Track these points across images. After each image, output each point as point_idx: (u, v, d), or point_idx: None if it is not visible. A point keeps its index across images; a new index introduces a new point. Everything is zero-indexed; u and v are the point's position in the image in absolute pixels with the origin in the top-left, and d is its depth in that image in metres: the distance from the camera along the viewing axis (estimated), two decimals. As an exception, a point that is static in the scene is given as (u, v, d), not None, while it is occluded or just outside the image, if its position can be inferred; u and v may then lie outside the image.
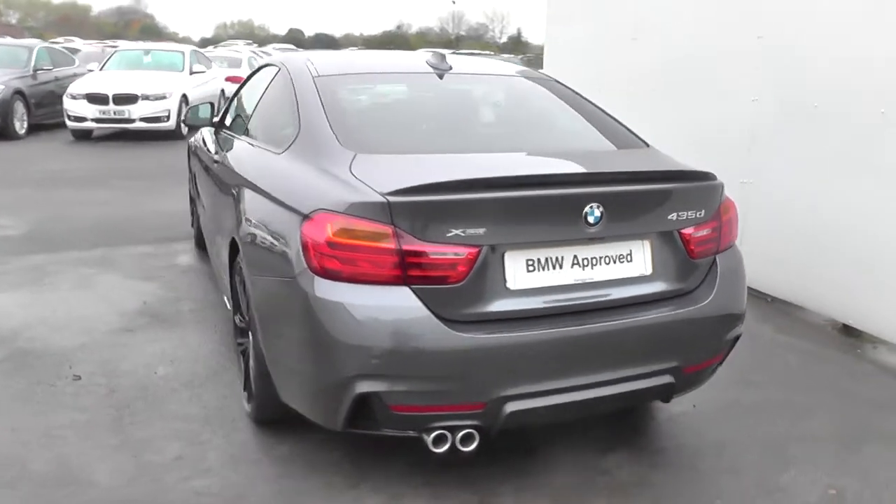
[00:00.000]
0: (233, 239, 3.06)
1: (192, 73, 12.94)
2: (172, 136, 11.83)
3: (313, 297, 2.26)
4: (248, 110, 3.96)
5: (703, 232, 2.62)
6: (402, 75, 3.44)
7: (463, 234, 2.23)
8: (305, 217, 2.36)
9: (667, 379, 2.56)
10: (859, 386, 3.63)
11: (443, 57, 3.44)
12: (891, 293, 3.93)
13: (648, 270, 2.54)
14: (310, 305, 2.27)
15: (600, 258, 2.45)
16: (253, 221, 2.80)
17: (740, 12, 4.78)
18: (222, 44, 33.30)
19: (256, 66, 4.48)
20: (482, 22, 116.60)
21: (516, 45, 54.16)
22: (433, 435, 2.31)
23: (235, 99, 4.48)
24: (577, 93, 3.48)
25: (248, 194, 2.98)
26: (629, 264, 2.50)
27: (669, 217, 2.53)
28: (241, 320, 3.20)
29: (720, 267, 2.71)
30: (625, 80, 5.78)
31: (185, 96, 12.09)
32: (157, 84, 11.85)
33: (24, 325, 4.04)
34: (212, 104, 4.69)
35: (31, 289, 4.65)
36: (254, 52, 13.77)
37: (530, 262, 2.35)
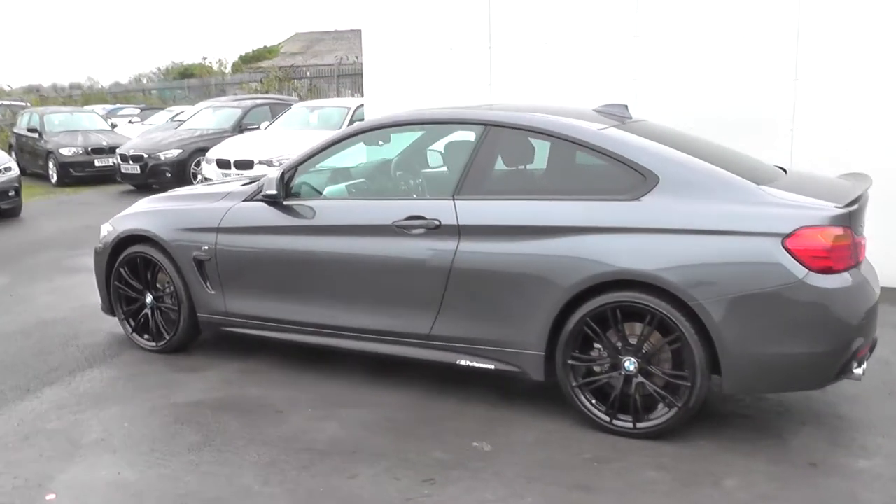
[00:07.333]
0: (595, 285, 3.40)
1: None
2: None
3: (825, 290, 3.18)
4: (437, 175, 4.50)
5: None
6: (632, 123, 4.02)
7: (861, 228, 3.41)
8: (787, 235, 3.19)
9: None
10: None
11: (625, 107, 4.26)
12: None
13: None
14: (822, 297, 3.18)
15: None
16: (677, 259, 3.29)
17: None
18: None
19: (352, 132, 4.24)
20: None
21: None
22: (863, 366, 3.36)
23: (329, 172, 4.48)
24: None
25: (621, 240, 3.39)
26: None
27: None
28: (603, 357, 3.50)
29: None
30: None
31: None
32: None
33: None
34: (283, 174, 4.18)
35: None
36: None
37: None
